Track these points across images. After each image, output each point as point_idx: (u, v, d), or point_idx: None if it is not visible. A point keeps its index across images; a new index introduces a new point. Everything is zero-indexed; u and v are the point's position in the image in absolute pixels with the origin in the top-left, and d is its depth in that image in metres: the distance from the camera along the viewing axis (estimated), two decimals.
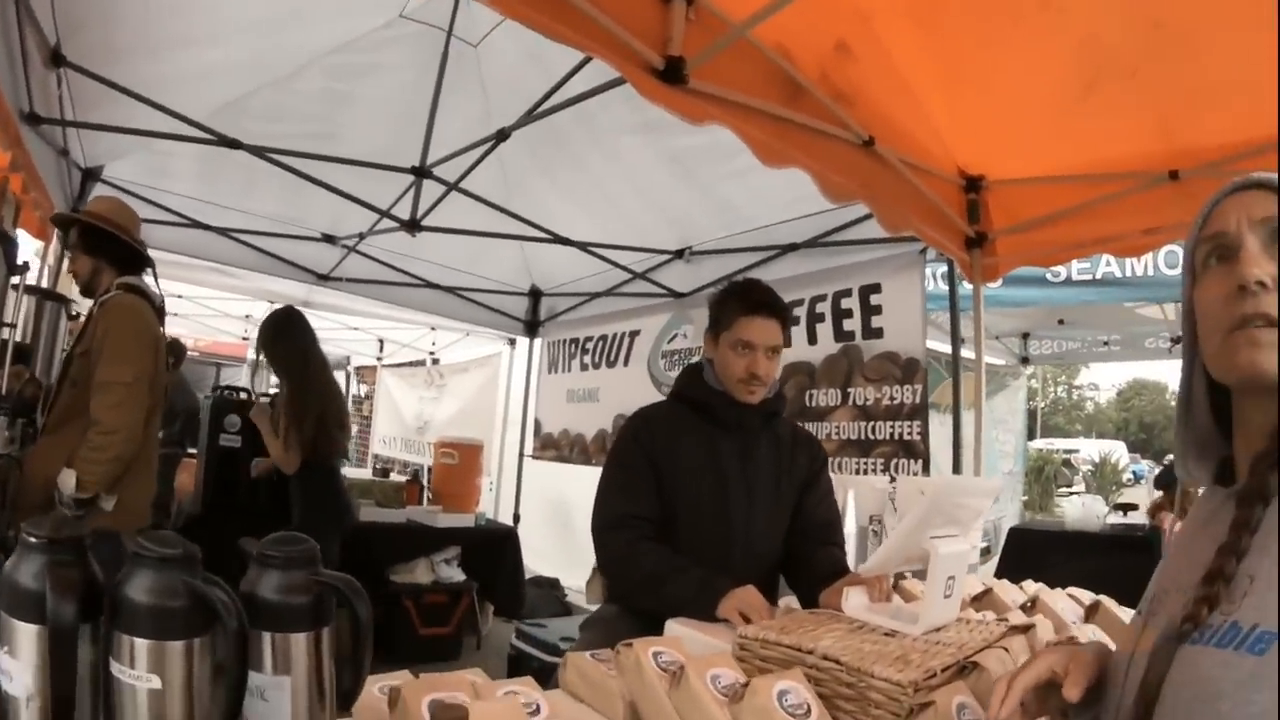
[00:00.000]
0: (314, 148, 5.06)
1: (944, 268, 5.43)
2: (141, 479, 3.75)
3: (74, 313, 4.49)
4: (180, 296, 9.77)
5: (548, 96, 4.33)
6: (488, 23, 4.56)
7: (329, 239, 6.79)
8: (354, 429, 15.14)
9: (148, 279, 3.87)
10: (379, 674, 1.64)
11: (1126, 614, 2.55)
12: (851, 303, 5.36)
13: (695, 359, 3.07)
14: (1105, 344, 10.86)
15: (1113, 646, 2.19)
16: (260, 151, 4.95)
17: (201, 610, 1.17)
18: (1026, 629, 2.10)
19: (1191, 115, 3.43)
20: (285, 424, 5.02)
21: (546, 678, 1.90)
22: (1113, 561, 6.25)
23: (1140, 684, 1.23)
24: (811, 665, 1.72)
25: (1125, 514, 8.02)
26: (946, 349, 5.43)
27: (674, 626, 2.30)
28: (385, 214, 5.65)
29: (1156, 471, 15.27)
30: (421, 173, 5.09)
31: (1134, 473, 30.29)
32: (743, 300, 2.91)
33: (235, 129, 4.76)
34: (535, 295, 8.47)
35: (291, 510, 5.15)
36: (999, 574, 5.36)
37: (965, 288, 4.76)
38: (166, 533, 1.22)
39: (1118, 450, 31.00)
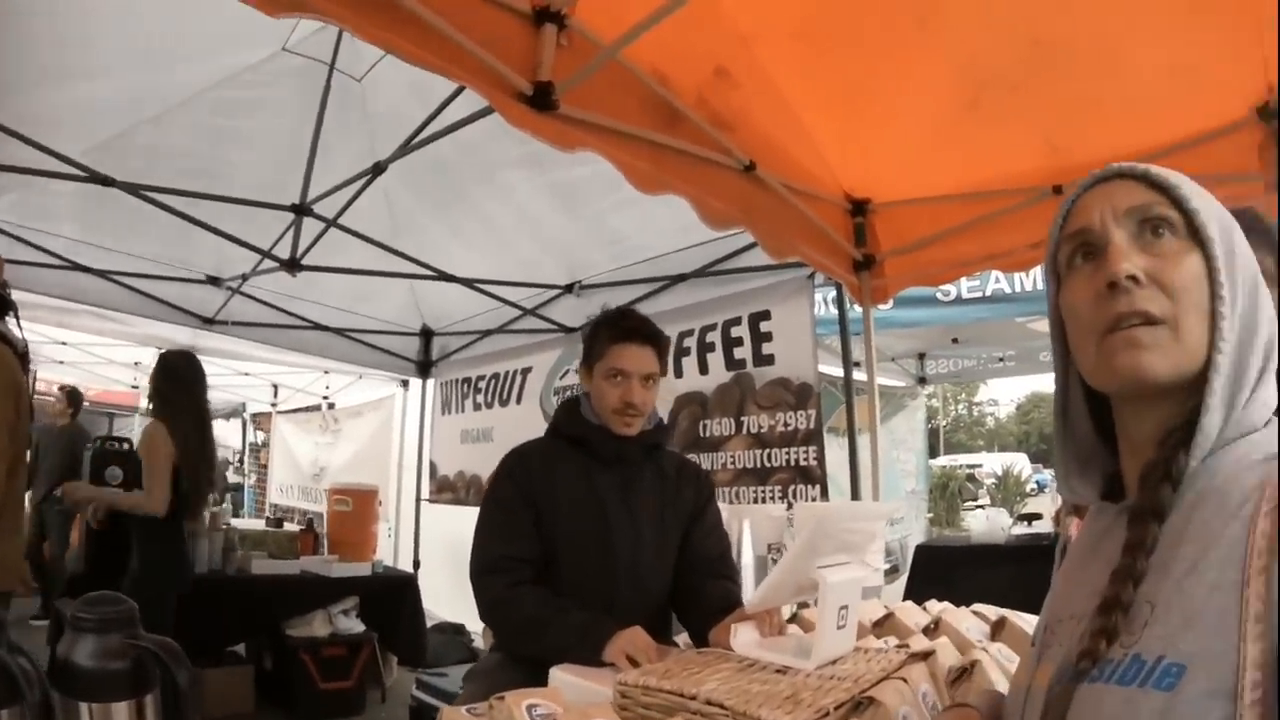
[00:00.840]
0: (197, 185, 4.92)
1: (833, 291, 5.45)
2: (10, 536, 3.56)
3: None
4: (64, 343, 9.52)
5: (424, 125, 4.25)
6: (371, 56, 4.43)
7: (213, 280, 6.59)
8: (251, 478, 14.90)
9: (10, 323, 3.69)
10: None
11: (1033, 626, 2.53)
12: (742, 331, 5.35)
13: (574, 396, 2.99)
14: (1001, 360, 11.04)
15: (1017, 661, 2.17)
16: (135, 189, 4.80)
17: (4, 680, 1.07)
18: (927, 655, 2.04)
19: (1074, 130, 3.46)
20: (149, 464, 4.86)
21: None
22: (1022, 571, 6.28)
23: None
24: (695, 711, 1.64)
25: (1030, 524, 8.12)
26: (840, 373, 5.43)
27: (558, 675, 2.21)
28: (266, 254, 5.52)
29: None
30: (301, 210, 4.99)
31: (1037, 483, 30.85)
32: (613, 328, 2.83)
33: (116, 167, 4.63)
34: (426, 335, 8.35)
35: (129, 562, 4.95)
36: (908, 593, 5.37)
37: (856, 311, 4.76)
38: None
39: (1020, 462, 31.60)
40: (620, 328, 2.82)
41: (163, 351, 5.23)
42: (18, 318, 3.74)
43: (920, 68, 3.31)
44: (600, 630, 2.40)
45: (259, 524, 8.37)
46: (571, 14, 2.74)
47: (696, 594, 2.77)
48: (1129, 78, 3.12)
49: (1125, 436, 1.23)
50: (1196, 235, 1.13)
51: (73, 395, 9.31)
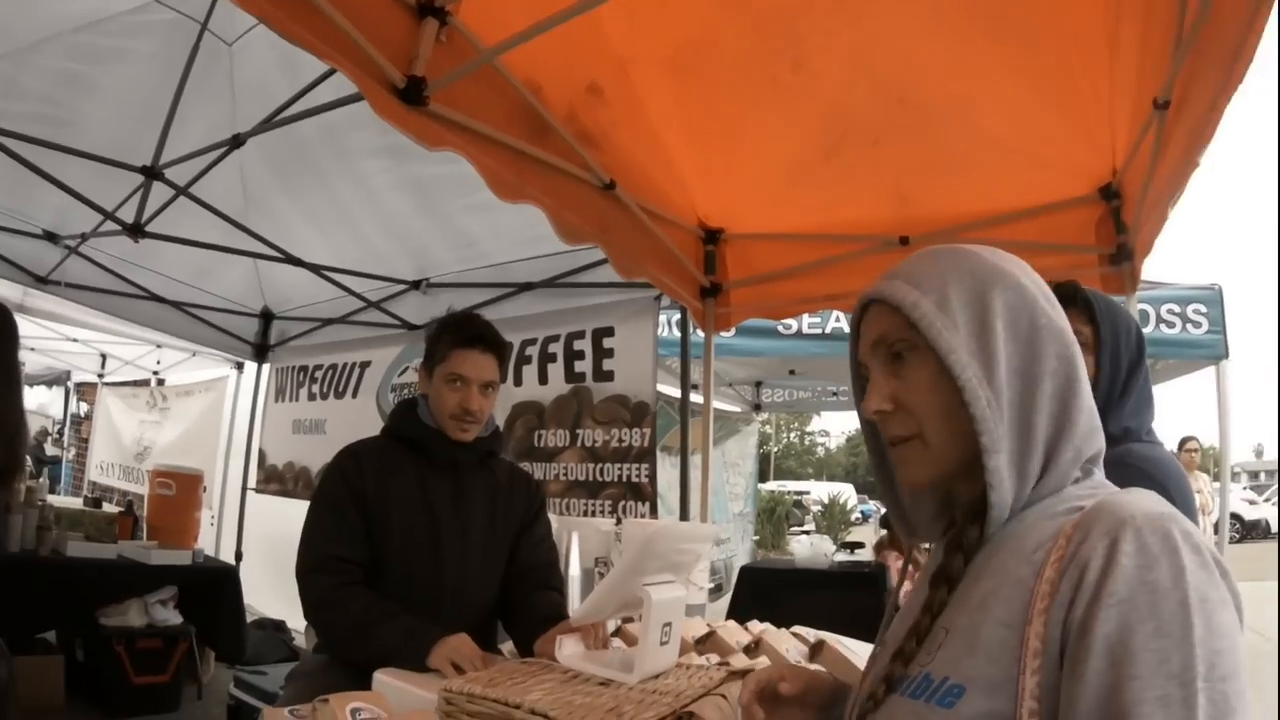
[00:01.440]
0: (45, 133, 4.66)
1: (678, 314, 5.52)
2: None
3: None
4: None
5: (290, 103, 4.16)
6: (246, 21, 4.28)
7: (51, 237, 6.23)
8: (71, 451, 14.27)
9: None
10: None
11: (851, 650, 2.62)
12: (584, 344, 5.39)
13: (411, 398, 2.96)
14: (835, 394, 11.31)
15: None
16: None
17: None
18: (745, 673, 2.09)
19: (925, 185, 3.62)
20: None
21: None
22: (842, 597, 6.47)
23: None
24: None
25: (852, 551, 8.34)
26: (678, 394, 5.50)
27: (381, 679, 2.20)
28: (110, 215, 5.29)
29: (882, 512, 15.95)
30: (151, 173, 4.77)
31: (862, 512, 31.53)
32: (457, 333, 2.81)
33: None
34: (267, 317, 8.11)
35: None
36: (730, 613, 5.46)
37: (698, 335, 4.83)
38: None
39: (846, 492, 32.28)
40: (464, 333, 2.80)
41: None
42: None
43: (789, 109, 3.40)
44: (426, 635, 2.39)
45: (76, 502, 8.04)
46: (455, 11, 2.74)
47: (523, 603, 2.77)
48: (984, 145, 3.29)
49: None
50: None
51: None
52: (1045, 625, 1.05)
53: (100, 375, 12.48)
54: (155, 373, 11.18)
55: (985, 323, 1.21)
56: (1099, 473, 1.26)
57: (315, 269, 6.25)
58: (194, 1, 4.16)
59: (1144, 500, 1.09)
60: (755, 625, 3.04)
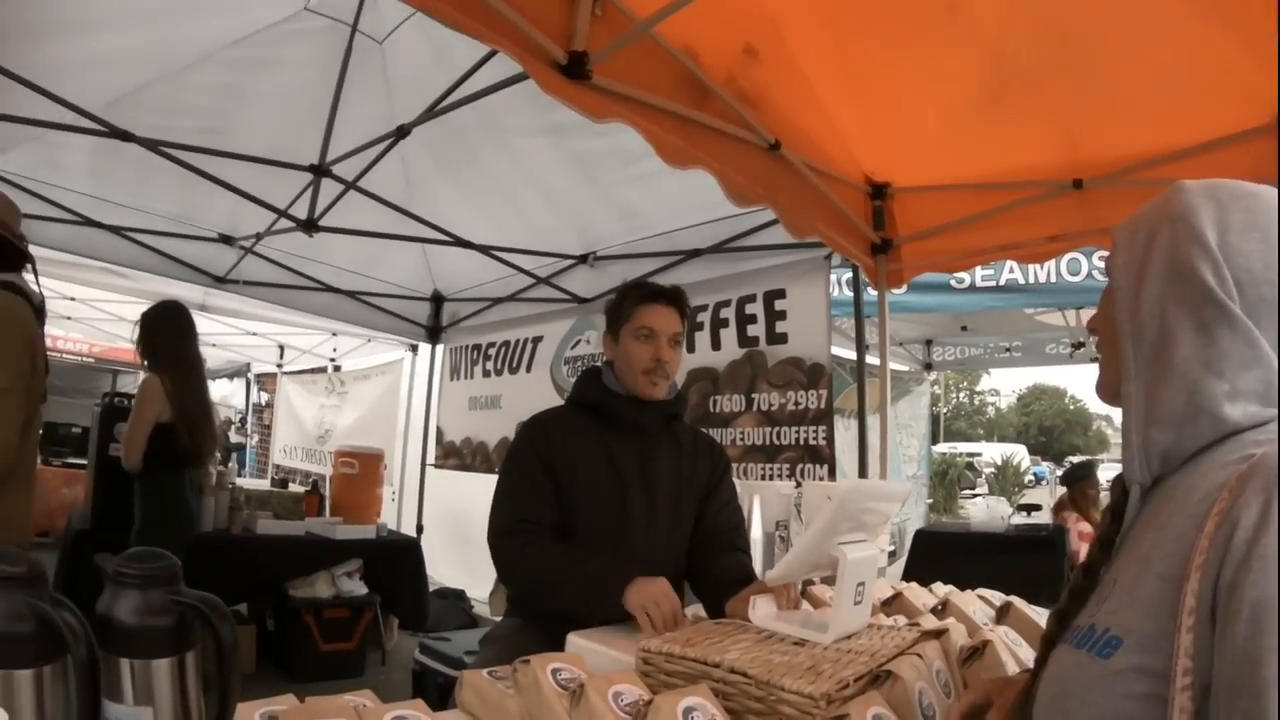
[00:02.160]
0: (211, 143, 4.88)
1: (849, 274, 5.44)
2: (20, 491, 3.53)
3: None
4: (73, 299, 9.52)
5: (449, 92, 4.23)
6: (394, 18, 4.43)
7: (226, 239, 6.60)
8: (254, 438, 14.87)
9: (27, 277, 3.66)
10: (269, 697, 1.54)
11: (1037, 614, 2.55)
12: (756, 308, 5.35)
13: (595, 366, 3.00)
14: (1007, 350, 11.03)
15: (1026, 648, 2.21)
16: (154, 145, 4.75)
17: (51, 635, 1.06)
18: (940, 634, 2.07)
19: (1095, 126, 3.47)
20: (133, 417, 4.81)
21: (451, 693, 1.82)
22: (1018, 561, 6.33)
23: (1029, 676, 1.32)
24: (719, 679, 1.67)
25: (1029, 514, 8.14)
26: (851, 355, 5.44)
27: (576, 640, 2.23)
28: (283, 213, 5.50)
29: (1059, 473, 15.58)
30: (320, 171, 4.97)
31: (1035, 474, 30.91)
32: (640, 290, 2.89)
33: (129, 121, 4.58)
34: (437, 300, 8.36)
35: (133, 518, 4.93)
36: (906, 576, 5.38)
37: (870, 294, 4.75)
38: (9, 549, 1.11)
39: (1019, 453, 31.64)
40: (647, 289, 2.88)
41: (150, 306, 5.10)
42: (35, 271, 3.72)
43: (947, 56, 3.29)
44: (619, 578, 2.43)
45: (263, 484, 8.38)
46: None
47: (712, 566, 2.78)
48: (1154, 77, 3.12)
49: None
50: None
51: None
52: (1200, 582, 1.02)
53: (279, 365, 13.02)
54: (332, 359, 11.58)
55: (1146, 254, 1.25)
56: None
57: (483, 249, 6.36)
58: (342, 6, 4.30)
59: None
60: (939, 588, 3.00)
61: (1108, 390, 1.34)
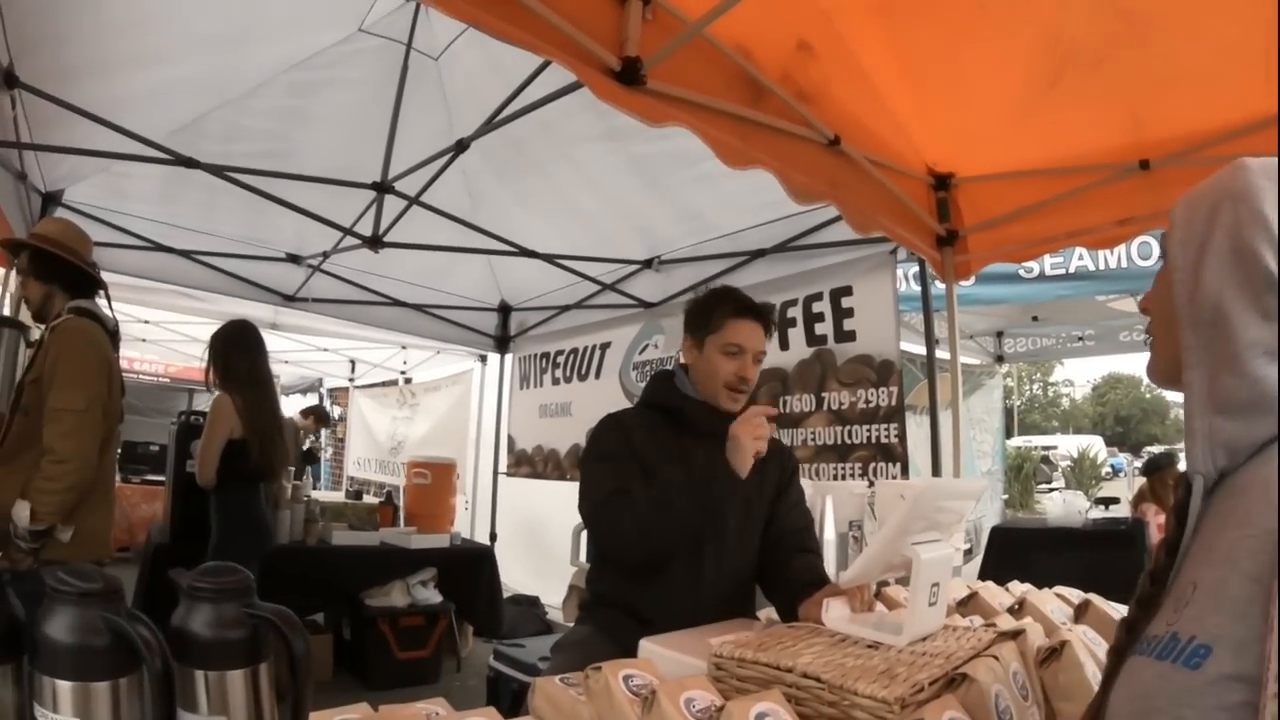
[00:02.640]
0: (274, 166, 4.97)
1: (915, 267, 5.41)
2: (100, 508, 3.63)
3: (32, 340, 4.38)
4: (147, 322, 9.77)
5: (506, 104, 4.25)
6: (448, 34, 4.49)
7: (293, 259, 6.73)
8: (328, 451, 15.08)
9: (100, 302, 3.76)
10: (348, 704, 1.56)
11: (1116, 610, 2.51)
12: (823, 306, 5.31)
13: (667, 369, 2.99)
14: (1080, 339, 10.87)
15: (1105, 645, 2.16)
16: (219, 170, 4.85)
17: (126, 649, 1.09)
18: (1016, 634, 2.03)
19: (1159, 104, 3.40)
20: (206, 434, 4.89)
21: (524, 699, 1.82)
22: (1097, 556, 6.23)
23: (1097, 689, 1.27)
24: (791, 684, 1.65)
25: (1107, 508, 8.04)
26: (920, 350, 5.39)
27: (648, 646, 2.21)
28: (348, 231, 5.57)
29: (1136, 464, 15.36)
30: (383, 188, 5.03)
31: (1112, 466, 30.44)
32: (733, 304, 2.84)
33: (193, 149, 4.68)
34: (504, 310, 8.43)
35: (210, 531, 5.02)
36: (983, 575, 5.32)
37: (938, 287, 4.71)
38: (86, 566, 1.13)
39: (1095, 445, 31.16)
40: (740, 303, 2.84)
41: (220, 325, 5.17)
42: (108, 297, 3.81)
43: (1004, 41, 3.26)
44: (710, 470, 2.51)
45: (338, 496, 8.49)
46: None
47: (783, 568, 2.76)
48: (1217, 50, 3.05)
49: None
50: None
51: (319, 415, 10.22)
52: None
53: (350, 379, 13.24)
54: (403, 372, 11.76)
55: (1206, 233, 1.20)
56: None
57: (548, 258, 6.40)
58: (396, 25, 4.38)
59: None
60: (1016, 586, 2.96)
61: (1160, 373, 1.31)
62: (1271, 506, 1.05)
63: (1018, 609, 2.66)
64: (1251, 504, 1.08)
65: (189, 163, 4.65)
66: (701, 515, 2.49)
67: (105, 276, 3.85)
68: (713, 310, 2.85)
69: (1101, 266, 7.12)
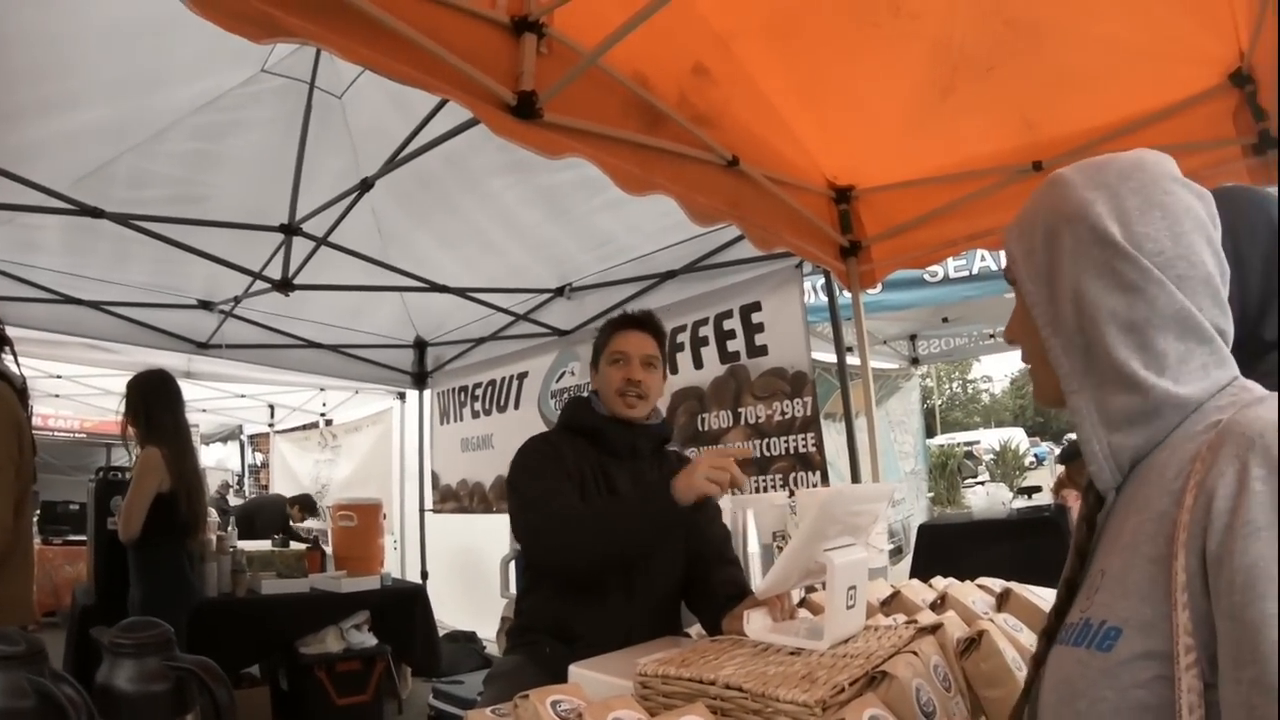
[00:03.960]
0: (184, 211, 4.93)
1: (822, 279, 5.47)
2: (20, 573, 3.56)
3: None
4: (59, 377, 9.59)
5: (409, 140, 4.27)
6: (351, 72, 4.46)
7: (205, 305, 6.62)
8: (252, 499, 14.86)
9: (6, 359, 3.68)
10: None
11: (1037, 597, 2.56)
12: (733, 323, 5.38)
13: (582, 395, 3.05)
14: (991, 337, 11.06)
15: (1028, 632, 2.22)
16: (124, 219, 4.79)
17: (53, 709, 1.09)
18: (935, 629, 2.08)
19: (1049, 106, 3.52)
20: (133, 488, 4.80)
21: None
22: (1024, 545, 6.32)
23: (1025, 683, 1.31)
24: (715, 696, 1.68)
25: (1030, 496, 8.17)
26: (834, 358, 5.46)
27: (576, 671, 2.24)
28: (258, 275, 5.53)
29: (1057, 451, 15.59)
30: (290, 230, 5.01)
31: (1035, 456, 30.74)
32: (615, 321, 2.99)
33: (101, 196, 4.63)
34: (420, 346, 8.39)
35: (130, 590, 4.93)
36: (913, 573, 5.39)
37: (845, 296, 4.79)
38: (8, 630, 1.14)
39: (1017, 436, 31.53)
40: (621, 319, 2.97)
41: (134, 376, 5.10)
42: (14, 353, 3.73)
43: (896, 54, 3.35)
44: (661, 488, 2.46)
45: (265, 544, 8.41)
46: (550, 23, 2.78)
47: (706, 582, 2.81)
48: (1101, 51, 3.16)
49: None
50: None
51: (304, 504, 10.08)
52: (1187, 557, 1.02)
53: (271, 424, 13.06)
54: (323, 414, 11.63)
55: (1052, 261, 1.25)
56: (1240, 379, 1.21)
57: (460, 292, 6.40)
58: (299, 64, 4.34)
59: (1273, 412, 1.04)
60: (939, 581, 3.01)
61: (1046, 399, 1.33)
62: (1161, 489, 1.10)
63: (940, 603, 2.70)
64: (1148, 491, 1.13)
65: (94, 212, 4.60)
66: (650, 530, 2.50)
67: (13, 332, 3.78)
68: (601, 335, 2.99)
69: (1004, 265, 7.26)
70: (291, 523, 9.97)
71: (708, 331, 5.54)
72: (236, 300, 6.27)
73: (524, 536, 2.74)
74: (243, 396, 11.31)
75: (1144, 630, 1.05)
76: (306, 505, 10.12)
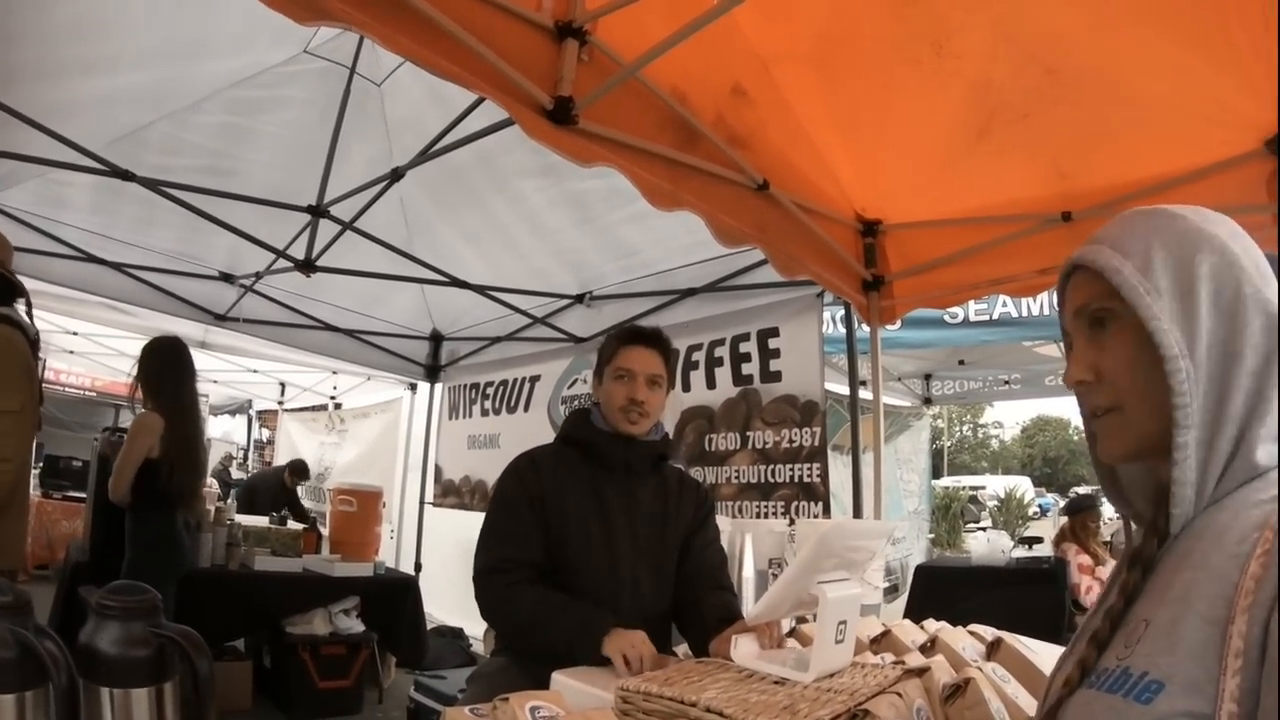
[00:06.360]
0: (213, 183, 4.94)
1: (842, 310, 5.47)
2: (15, 518, 3.57)
3: None
4: (75, 333, 9.62)
5: (444, 134, 4.28)
6: (392, 61, 4.49)
7: (226, 278, 6.68)
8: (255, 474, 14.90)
9: (20, 308, 3.69)
10: None
11: (1031, 648, 2.55)
12: (750, 346, 5.38)
13: (584, 407, 3.05)
14: (1006, 383, 11.04)
15: (1014, 683, 2.20)
16: (155, 185, 4.80)
17: (34, 663, 1.10)
18: (922, 671, 2.07)
19: (1083, 157, 3.48)
20: (124, 450, 4.81)
21: None
22: (1020, 594, 6.32)
23: None
24: (695, 718, 1.67)
25: (1030, 547, 8.13)
26: (847, 391, 5.45)
27: (559, 679, 2.23)
28: (281, 253, 5.55)
29: (1062, 503, 15.54)
30: (318, 212, 5.03)
31: (1040, 506, 30.73)
32: (622, 334, 2.95)
33: (133, 160, 4.65)
34: (436, 339, 8.42)
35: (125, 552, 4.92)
36: (907, 612, 5.37)
37: (863, 330, 4.77)
38: None
39: (1023, 485, 31.50)
40: (627, 333, 2.94)
41: (149, 341, 5.12)
42: (29, 304, 3.75)
43: (934, 93, 3.33)
44: (601, 624, 2.45)
45: (263, 521, 8.43)
46: (593, 31, 2.77)
47: (696, 605, 2.79)
48: (1139, 108, 3.14)
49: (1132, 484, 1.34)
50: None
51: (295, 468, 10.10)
52: (1248, 625, 0.99)
53: (280, 402, 13.08)
54: (333, 397, 11.64)
55: (1189, 290, 1.16)
56: None
57: (480, 289, 6.41)
58: (341, 49, 4.36)
59: None
60: (931, 624, 3.00)
61: (1125, 447, 1.25)
62: (1222, 551, 1.08)
63: (930, 646, 2.68)
64: (1205, 548, 1.11)
65: (125, 175, 4.62)
66: (574, 647, 2.47)
67: (34, 285, 3.80)
68: (606, 346, 2.96)
69: (1025, 313, 7.24)
70: (289, 486, 9.96)
71: (723, 352, 5.54)
72: (258, 276, 6.31)
73: (475, 588, 2.76)
74: (255, 371, 11.35)
75: (1189, 689, 1.02)
76: (297, 469, 10.08)
